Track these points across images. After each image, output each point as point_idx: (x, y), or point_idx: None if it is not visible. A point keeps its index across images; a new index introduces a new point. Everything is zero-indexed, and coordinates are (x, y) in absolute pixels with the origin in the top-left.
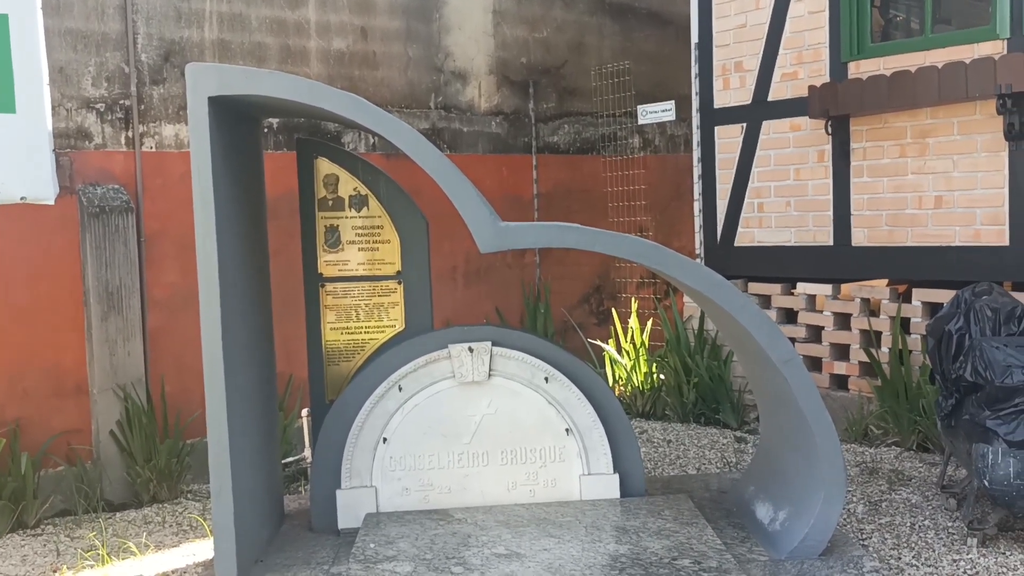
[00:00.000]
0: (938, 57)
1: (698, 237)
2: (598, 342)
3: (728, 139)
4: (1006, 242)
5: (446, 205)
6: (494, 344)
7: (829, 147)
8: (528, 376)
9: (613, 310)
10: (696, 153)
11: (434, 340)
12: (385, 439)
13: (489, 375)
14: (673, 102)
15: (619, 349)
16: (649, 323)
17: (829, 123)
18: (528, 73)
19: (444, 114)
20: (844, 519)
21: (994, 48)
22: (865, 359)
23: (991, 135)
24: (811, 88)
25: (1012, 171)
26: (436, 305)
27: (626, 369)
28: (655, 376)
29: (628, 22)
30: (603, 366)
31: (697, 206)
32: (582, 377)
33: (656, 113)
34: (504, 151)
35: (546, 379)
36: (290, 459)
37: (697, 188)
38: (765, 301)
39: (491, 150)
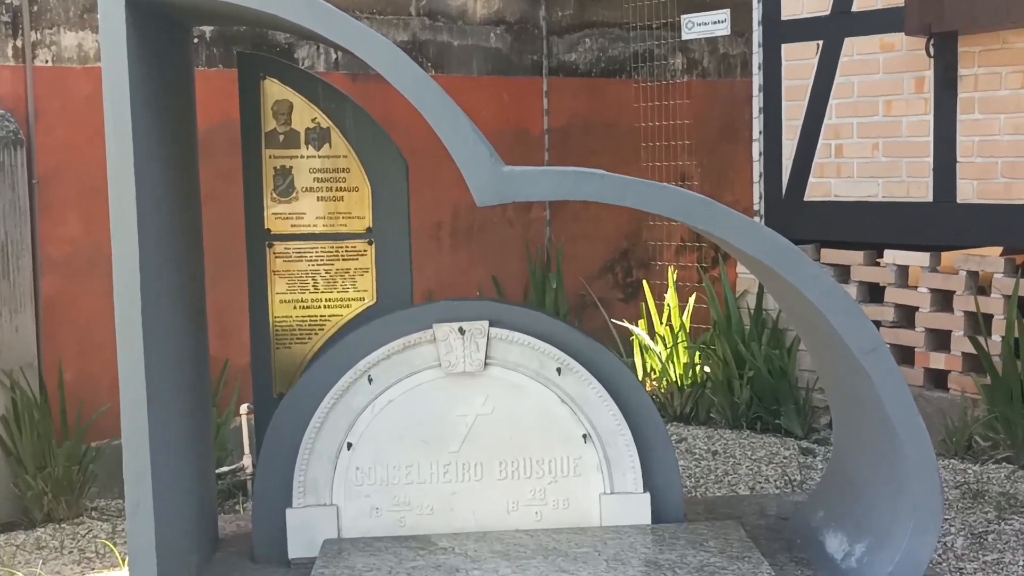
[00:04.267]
0: None
1: (757, 188)
2: (625, 323)
3: (799, 61)
4: None
5: (429, 142)
6: (492, 324)
7: (930, 74)
8: (535, 366)
9: (645, 282)
10: (756, 79)
11: (414, 318)
12: (350, 444)
13: (485, 364)
14: (728, 11)
15: (652, 333)
16: (691, 299)
17: (931, 42)
18: None
19: (429, 22)
20: (939, 554)
21: None
22: (971, 350)
23: None
24: None
25: None
26: (416, 272)
27: (661, 359)
28: (698, 368)
29: None
30: (631, 354)
31: (756, 148)
32: (604, 368)
33: (706, 26)
34: (506, 72)
35: (558, 370)
36: (225, 469)
37: (757, 124)
38: (843, 273)
39: (489, 70)
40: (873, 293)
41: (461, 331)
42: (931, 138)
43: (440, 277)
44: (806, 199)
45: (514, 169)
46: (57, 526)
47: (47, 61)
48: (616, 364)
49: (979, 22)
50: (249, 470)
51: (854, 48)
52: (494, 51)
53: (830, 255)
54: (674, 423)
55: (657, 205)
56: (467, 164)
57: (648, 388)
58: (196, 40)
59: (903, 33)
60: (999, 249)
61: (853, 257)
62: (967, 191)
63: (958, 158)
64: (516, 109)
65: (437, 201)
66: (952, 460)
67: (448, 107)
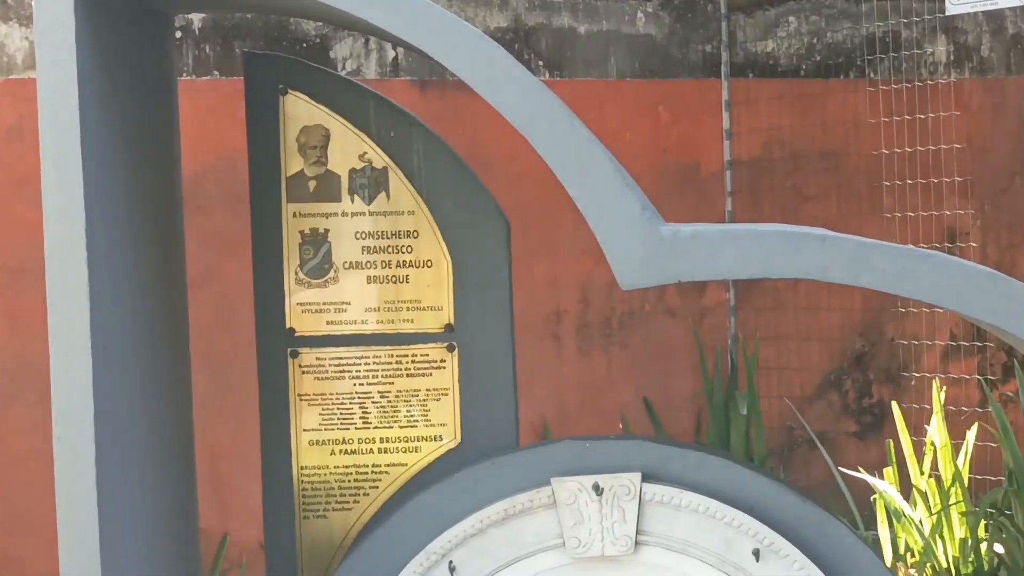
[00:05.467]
0: None
1: None
2: (862, 473)
3: None
4: None
5: (544, 188)
6: (646, 478)
7: None
8: (718, 547)
9: (894, 405)
10: None
11: (521, 468)
12: None
13: (636, 543)
14: None
15: (906, 489)
16: (970, 434)
17: None
18: None
19: (539, 0)
20: None
21: None
22: None
23: None
24: None
25: None
26: (523, 394)
27: (922, 531)
28: (984, 547)
29: None
30: (873, 525)
31: None
32: (831, 549)
33: None
34: (663, 73)
35: (756, 552)
36: None
37: None
38: None
39: (635, 72)
40: None
41: (597, 489)
42: None
43: (562, 400)
44: None
45: (681, 229)
46: None
47: None
48: (850, 542)
49: None
50: None
51: None
52: (643, 40)
53: None
54: None
55: (912, 285)
56: (606, 224)
57: None
58: (179, 34)
59: None
60: None
61: None
62: None
63: None
64: (680, 131)
65: (555, 279)
66: None
67: (575, 135)
